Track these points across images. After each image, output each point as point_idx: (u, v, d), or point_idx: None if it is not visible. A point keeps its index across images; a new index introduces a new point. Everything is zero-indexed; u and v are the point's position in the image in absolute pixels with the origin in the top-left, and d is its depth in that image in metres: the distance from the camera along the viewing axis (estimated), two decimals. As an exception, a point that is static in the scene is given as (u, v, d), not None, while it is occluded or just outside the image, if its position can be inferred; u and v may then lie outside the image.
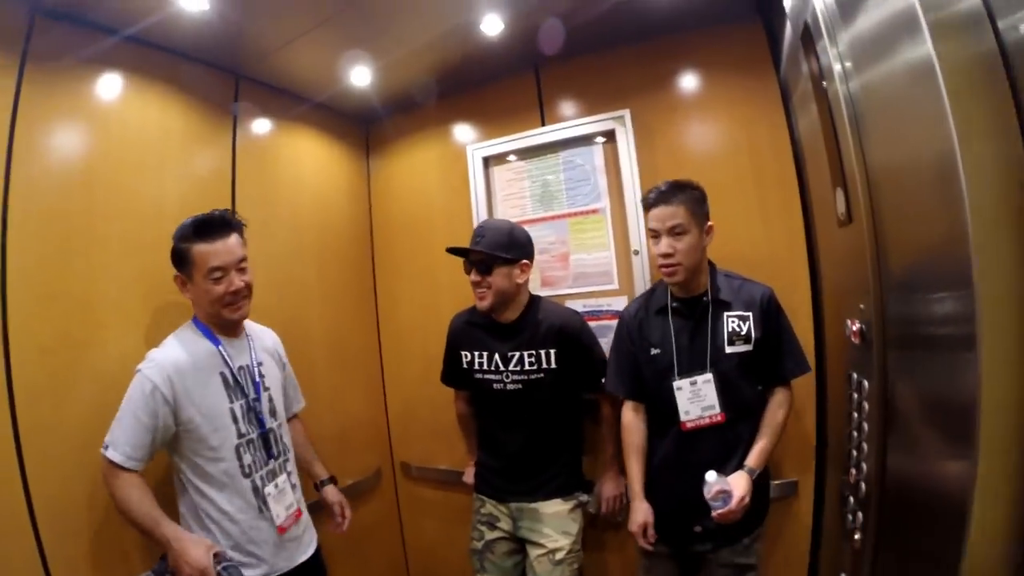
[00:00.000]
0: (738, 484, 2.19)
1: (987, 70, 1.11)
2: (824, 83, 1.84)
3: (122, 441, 2.00)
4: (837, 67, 1.70)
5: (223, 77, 2.97)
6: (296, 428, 2.69)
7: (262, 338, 2.51)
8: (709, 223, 2.37)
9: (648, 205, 2.38)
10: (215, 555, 1.93)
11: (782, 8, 2.25)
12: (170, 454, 2.16)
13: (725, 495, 2.13)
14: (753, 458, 2.28)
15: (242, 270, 2.25)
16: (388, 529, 3.67)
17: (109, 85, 2.46)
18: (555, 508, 2.67)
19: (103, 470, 2.02)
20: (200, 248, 2.16)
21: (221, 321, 2.26)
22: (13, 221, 2.08)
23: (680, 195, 2.32)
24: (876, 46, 1.46)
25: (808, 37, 1.94)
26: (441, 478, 3.49)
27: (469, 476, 3.06)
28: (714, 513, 2.14)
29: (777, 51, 2.71)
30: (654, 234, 2.36)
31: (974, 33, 1.12)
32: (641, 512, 2.42)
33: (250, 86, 3.09)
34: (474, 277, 2.64)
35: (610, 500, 2.72)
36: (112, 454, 1.98)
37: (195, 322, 2.28)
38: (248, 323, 2.46)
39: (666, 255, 2.31)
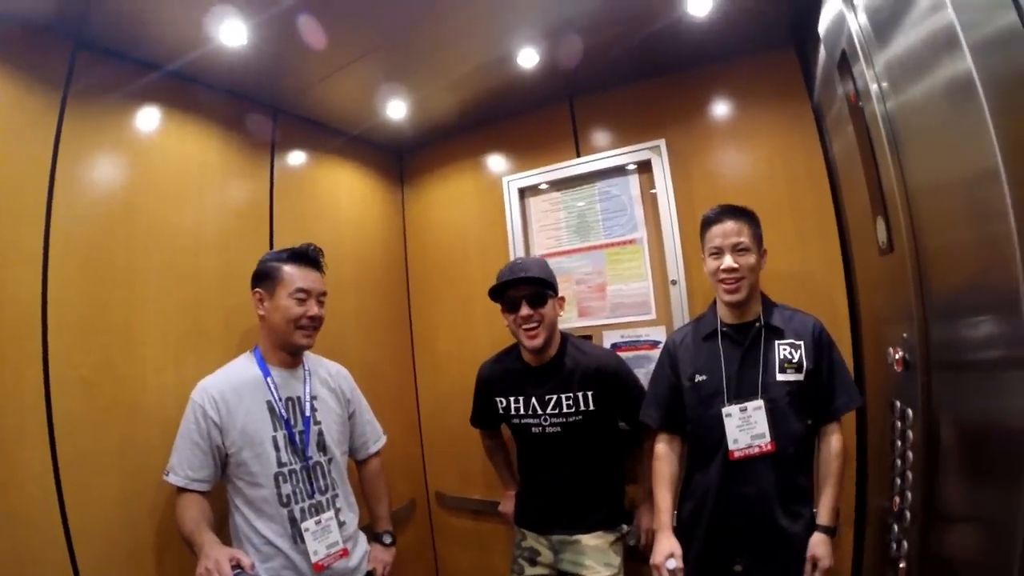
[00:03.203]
0: (824, 553, 2.15)
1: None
2: (861, 104, 1.82)
3: (180, 465, 2.13)
4: (874, 87, 1.69)
5: (262, 111, 3.02)
6: (368, 469, 2.73)
7: (323, 373, 2.53)
8: (764, 247, 2.35)
9: (710, 222, 2.35)
10: (238, 566, 1.90)
11: (815, 34, 2.24)
12: (222, 477, 2.23)
13: None
14: (827, 516, 2.21)
15: (321, 303, 2.40)
16: (423, 559, 3.64)
17: (149, 119, 2.51)
18: (597, 541, 2.62)
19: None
20: (291, 269, 2.33)
21: (289, 345, 2.34)
22: (55, 254, 2.11)
23: (742, 215, 2.31)
24: (914, 65, 1.44)
25: (844, 61, 1.92)
26: (475, 508, 3.47)
27: (506, 507, 3.04)
28: None
29: (810, 77, 2.69)
30: (716, 251, 2.32)
31: (1012, 47, 1.09)
32: (666, 544, 2.32)
33: (288, 119, 3.14)
34: (525, 311, 2.57)
35: (649, 532, 2.65)
36: (173, 479, 2.12)
37: (254, 352, 2.37)
38: (315, 357, 2.53)
39: (730, 269, 2.27)
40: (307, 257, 2.39)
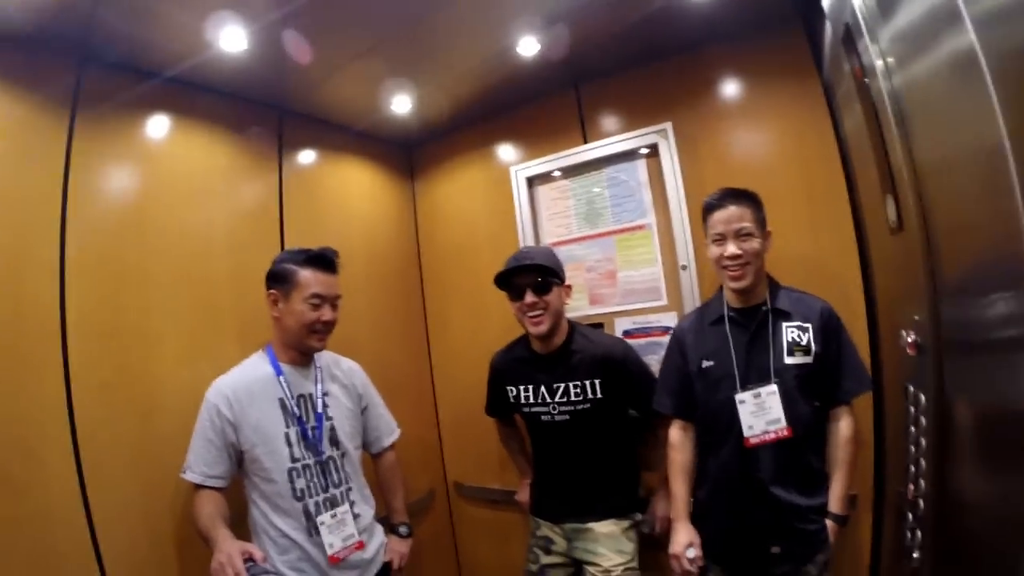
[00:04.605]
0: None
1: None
2: (867, 81, 1.78)
3: (196, 463, 2.19)
4: (879, 63, 1.65)
5: (267, 112, 3.04)
6: (383, 462, 2.77)
7: (335, 369, 2.57)
8: (768, 229, 2.33)
9: (711, 208, 2.33)
10: (250, 559, 1.94)
11: (822, 10, 2.19)
12: (239, 472, 2.29)
13: None
14: (838, 504, 2.22)
15: (335, 307, 2.43)
16: (442, 548, 3.68)
17: (156, 127, 2.56)
18: (609, 528, 2.63)
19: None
20: (307, 273, 2.34)
21: (301, 347, 2.38)
22: (70, 262, 2.19)
23: (744, 199, 2.29)
24: (918, 40, 1.40)
25: (849, 36, 1.88)
26: (493, 497, 3.49)
27: (522, 495, 3.07)
28: None
29: (819, 53, 2.64)
30: (718, 238, 2.30)
31: (1017, 20, 1.05)
32: (684, 534, 2.34)
33: (293, 119, 3.16)
34: (530, 298, 2.59)
35: (664, 520, 2.65)
36: (190, 476, 2.18)
37: (267, 350, 2.41)
38: (327, 353, 2.56)
39: (734, 256, 2.25)
40: (323, 260, 2.40)
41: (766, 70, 2.82)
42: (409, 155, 3.94)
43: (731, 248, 2.25)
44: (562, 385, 2.67)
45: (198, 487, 2.18)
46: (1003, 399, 1.19)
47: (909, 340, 1.68)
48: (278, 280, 2.36)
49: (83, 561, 2.05)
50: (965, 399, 1.43)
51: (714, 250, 2.32)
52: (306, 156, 3.23)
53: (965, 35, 1.09)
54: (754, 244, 2.25)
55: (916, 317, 1.64)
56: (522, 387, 2.78)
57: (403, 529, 2.70)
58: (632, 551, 2.62)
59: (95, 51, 2.32)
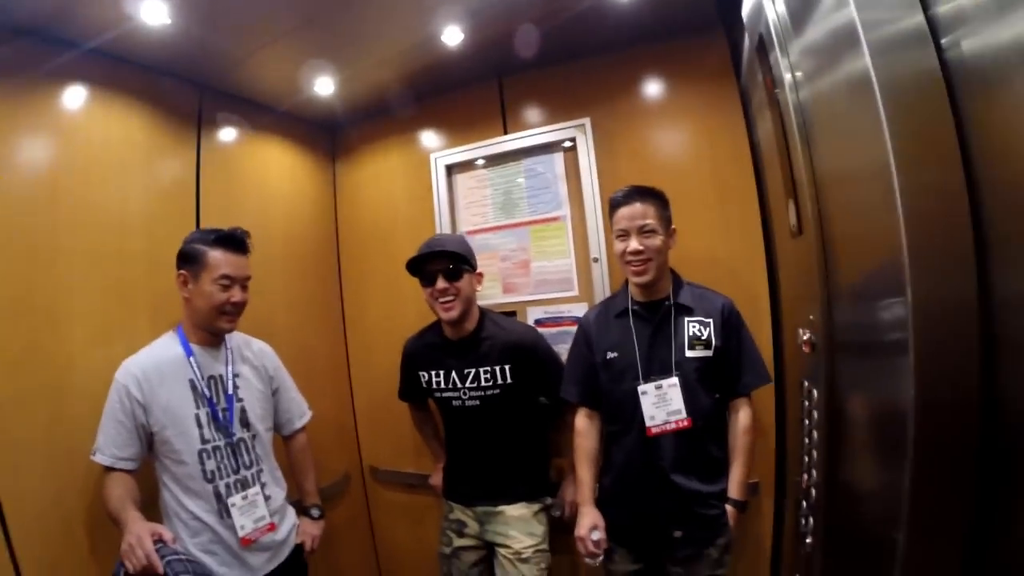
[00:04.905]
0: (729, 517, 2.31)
1: (927, 86, 1.12)
2: (776, 91, 1.86)
3: (106, 445, 2.17)
4: (788, 77, 1.72)
5: (187, 88, 2.97)
6: (294, 444, 2.77)
7: (246, 351, 2.56)
8: (672, 227, 2.41)
9: (617, 204, 2.40)
10: (160, 540, 1.95)
11: (741, 19, 2.27)
12: (150, 454, 2.27)
13: None
14: (736, 490, 2.33)
15: (245, 288, 2.41)
16: (359, 531, 3.68)
17: (73, 98, 2.47)
18: (520, 511, 2.70)
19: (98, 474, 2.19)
20: (216, 254, 2.31)
21: (211, 328, 2.36)
22: None
23: (649, 197, 2.36)
24: (823, 58, 1.48)
25: (762, 47, 1.96)
26: (408, 481, 3.51)
27: (435, 479, 3.12)
28: None
29: (738, 60, 2.72)
30: (622, 234, 2.37)
31: (915, 50, 1.13)
32: (589, 517, 2.42)
33: (214, 97, 3.09)
34: (441, 284, 2.62)
35: (572, 504, 2.71)
36: (100, 458, 2.16)
37: (177, 331, 2.38)
38: (238, 335, 2.54)
39: (636, 252, 2.32)
40: (233, 241, 2.37)
41: (686, 73, 2.90)
42: (331, 137, 3.90)
43: (634, 244, 2.33)
44: (472, 370, 2.71)
45: (108, 469, 2.16)
46: (884, 397, 1.27)
47: (804, 338, 1.77)
48: (187, 260, 2.33)
49: None
50: (852, 396, 1.51)
51: (618, 245, 2.40)
52: (226, 134, 3.17)
53: (862, 59, 1.16)
54: (656, 241, 2.33)
55: (811, 317, 1.72)
56: (433, 372, 2.82)
57: (315, 511, 2.71)
58: (543, 533, 2.70)
59: (10, 18, 2.23)
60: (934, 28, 1.12)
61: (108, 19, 2.34)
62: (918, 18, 1.14)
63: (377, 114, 3.65)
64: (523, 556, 2.62)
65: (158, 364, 2.27)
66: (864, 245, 1.37)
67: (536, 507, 2.73)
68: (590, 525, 2.40)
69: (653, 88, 3.00)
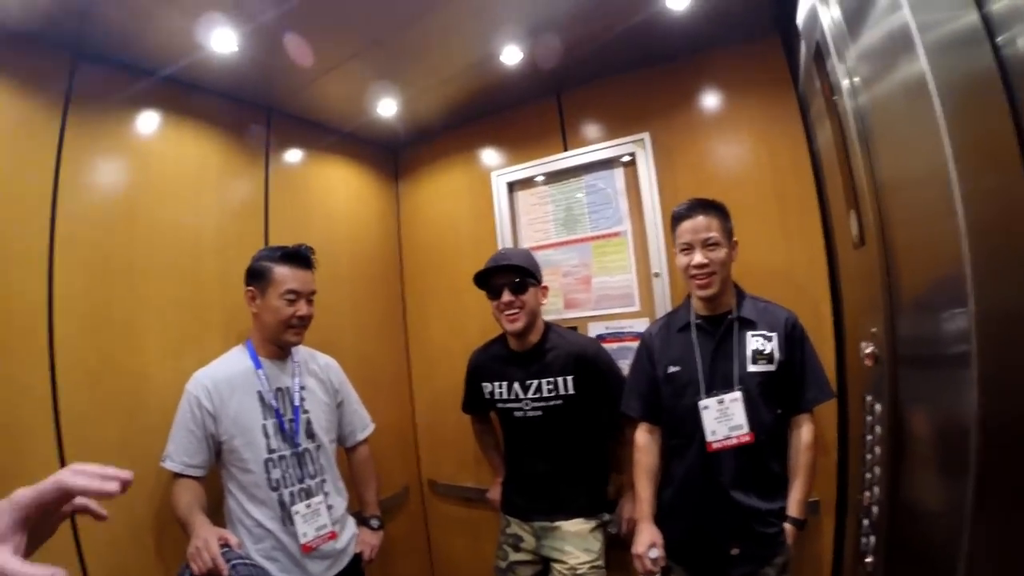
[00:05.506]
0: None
1: (984, 87, 1.08)
2: (835, 98, 1.82)
3: (176, 452, 2.27)
4: (845, 83, 1.68)
5: (255, 111, 3.08)
6: (356, 456, 2.84)
7: (313, 364, 2.63)
8: (735, 239, 2.39)
9: (680, 218, 2.39)
10: (226, 545, 2.01)
11: (797, 27, 2.23)
12: (217, 463, 2.37)
13: None
14: (795, 508, 2.28)
15: (310, 302, 2.51)
16: (416, 544, 3.73)
17: (147, 123, 2.60)
18: (577, 527, 2.69)
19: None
20: (282, 270, 2.42)
21: (279, 341, 2.45)
22: (60, 254, 2.22)
23: (711, 210, 2.35)
24: (880, 62, 1.44)
25: (819, 54, 1.92)
26: (467, 495, 3.54)
27: (493, 493, 3.13)
28: None
29: (795, 68, 2.67)
30: (686, 247, 2.36)
31: (971, 49, 1.09)
32: (648, 534, 2.39)
33: (281, 119, 3.20)
34: (507, 297, 2.67)
35: (630, 520, 2.69)
36: (170, 464, 2.26)
37: (247, 345, 2.47)
38: (305, 349, 2.62)
39: (701, 265, 2.31)
40: (298, 257, 2.47)
41: (743, 83, 2.86)
42: (394, 157, 3.98)
43: (698, 257, 2.31)
44: (535, 382, 2.73)
45: (177, 476, 2.25)
46: (947, 412, 1.23)
47: (867, 352, 1.72)
48: (255, 277, 2.42)
49: (62, 548, 2.06)
50: (915, 411, 1.46)
51: (682, 259, 2.37)
52: (293, 155, 3.27)
53: (917, 61, 1.13)
54: (720, 254, 2.30)
55: (874, 330, 1.68)
56: (497, 383, 2.85)
57: (374, 522, 2.75)
58: (599, 550, 2.68)
59: (89, 49, 2.36)
60: (989, 26, 1.09)
61: (180, 47, 2.45)
62: (973, 16, 1.10)
63: (438, 133, 3.71)
64: (579, 572, 2.61)
65: (228, 376, 2.36)
66: (926, 255, 1.33)
67: (593, 523, 2.71)
68: (648, 542, 2.36)
69: (710, 99, 2.97)
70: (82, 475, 1.02)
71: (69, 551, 2.08)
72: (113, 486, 1.02)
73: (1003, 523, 1.07)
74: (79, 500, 1.07)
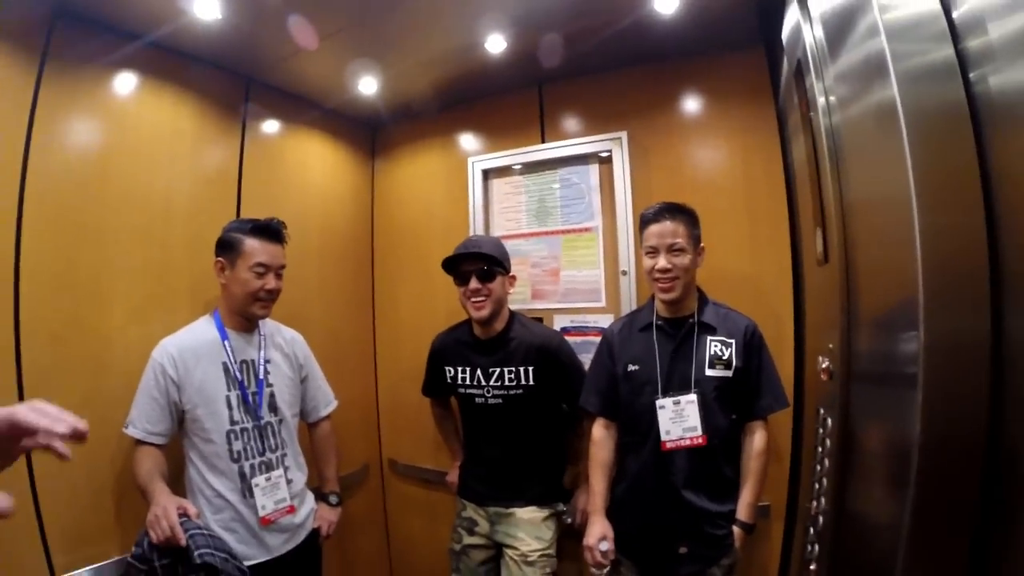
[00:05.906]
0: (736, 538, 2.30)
1: (953, 120, 1.11)
2: (811, 115, 1.85)
3: (138, 419, 2.27)
4: (822, 101, 1.70)
5: (234, 80, 3.05)
6: (318, 432, 2.85)
7: (278, 338, 2.64)
8: (701, 245, 2.41)
9: (647, 221, 2.41)
10: (184, 514, 2.05)
11: (780, 38, 2.26)
12: (179, 432, 2.37)
13: None
14: (745, 512, 2.33)
15: (279, 276, 2.51)
16: (374, 522, 3.75)
17: (124, 85, 2.56)
18: (531, 515, 2.73)
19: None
20: (252, 243, 2.41)
21: (246, 314, 2.45)
22: (29, 211, 2.19)
23: (679, 215, 2.36)
24: (856, 85, 1.47)
25: (799, 71, 1.95)
26: (425, 476, 3.56)
27: (452, 476, 3.15)
28: None
29: (777, 80, 2.71)
30: (652, 251, 2.38)
31: (943, 82, 1.12)
32: (599, 527, 2.43)
33: (260, 90, 3.17)
34: (474, 284, 2.68)
35: (583, 512, 2.73)
36: (132, 431, 2.27)
37: (214, 315, 2.47)
38: (272, 322, 2.63)
39: (664, 270, 2.33)
40: (269, 231, 2.46)
41: (724, 89, 2.89)
42: (372, 135, 3.96)
43: (662, 262, 2.33)
44: (498, 370, 2.75)
45: (139, 442, 2.26)
46: (893, 430, 1.26)
47: (823, 366, 1.76)
48: (225, 248, 2.41)
49: (20, 507, 2.01)
50: (865, 426, 1.50)
51: (647, 261, 2.40)
52: (270, 126, 3.24)
53: (890, 88, 1.15)
54: (684, 260, 2.33)
55: (831, 345, 1.71)
56: (459, 368, 2.86)
57: (333, 498, 2.78)
58: (551, 539, 2.72)
59: (69, 5, 2.31)
60: (963, 62, 1.11)
61: (162, 12, 2.42)
62: (947, 51, 1.13)
63: (417, 115, 3.69)
64: (529, 559, 2.65)
65: (194, 345, 2.36)
66: (885, 278, 1.36)
67: (547, 512, 2.76)
68: (599, 535, 2.41)
69: (691, 103, 3.00)
70: (36, 412, 1.04)
71: (28, 510, 2.07)
72: (62, 427, 1.04)
73: (938, 541, 1.11)
74: (42, 437, 1.06)
